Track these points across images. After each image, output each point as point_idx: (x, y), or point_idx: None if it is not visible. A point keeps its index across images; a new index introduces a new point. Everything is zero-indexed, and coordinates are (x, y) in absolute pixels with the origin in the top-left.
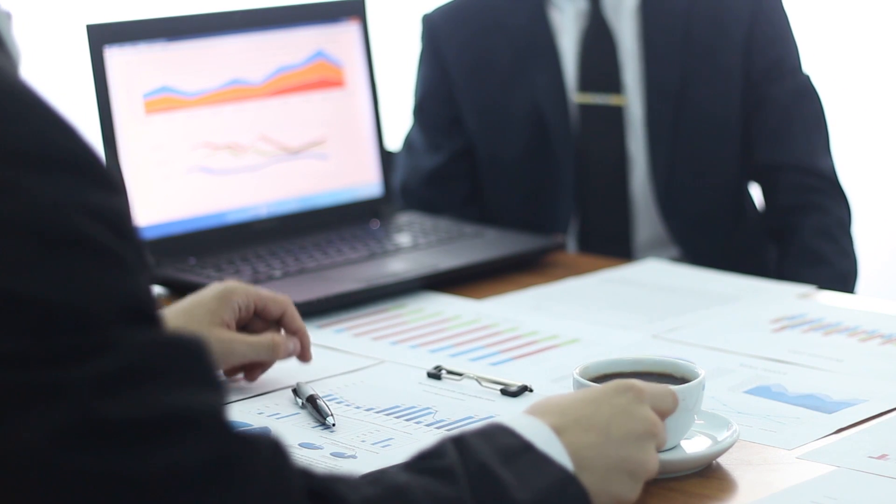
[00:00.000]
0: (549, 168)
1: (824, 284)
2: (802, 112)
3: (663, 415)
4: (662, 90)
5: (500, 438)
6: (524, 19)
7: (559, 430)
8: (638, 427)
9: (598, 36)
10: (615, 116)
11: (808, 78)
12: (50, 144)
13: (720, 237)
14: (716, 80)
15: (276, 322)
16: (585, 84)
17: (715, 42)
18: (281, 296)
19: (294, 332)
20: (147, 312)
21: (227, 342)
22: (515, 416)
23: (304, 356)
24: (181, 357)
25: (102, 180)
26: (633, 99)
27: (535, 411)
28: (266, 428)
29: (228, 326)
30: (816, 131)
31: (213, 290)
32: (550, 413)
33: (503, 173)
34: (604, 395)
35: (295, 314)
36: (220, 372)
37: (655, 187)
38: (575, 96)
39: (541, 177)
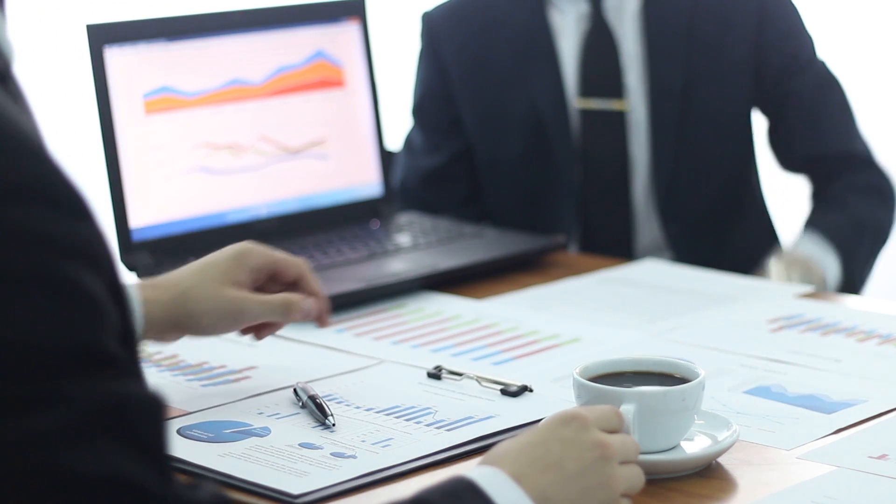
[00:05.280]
0: (548, 173)
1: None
2: (828, 101)
3: (614, 433)
4: (666, 92)
5: (467, 500)
6: (524, 20)
7: (518, 478)
8: (590, 454)
9: (599, 40)
10: (617, 121)
11: (824, 64)
12: (9, 169)
13: (715, 243)
14: (721, 80)
15: (291, 285)
16: (587, 89)
17: (720, 41)
18: (297, 258)
19: (310, 296)
20: (107, 359)
21: (240, 301)
22: (477, 471)
23: (321, 320)
24: (131, 418)
25: (71, 206)
26: (636, 103)
27: (491, 461)
28: (216, 489)
29: (242, 287)
30: (846, 116)
31: (228, 250)
32: (505, 462)
33: (502, 176)
34: (550, 431)
35: (311, 278)
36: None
37: (657, 191)
38: (576, 101)
39: (540, 181)
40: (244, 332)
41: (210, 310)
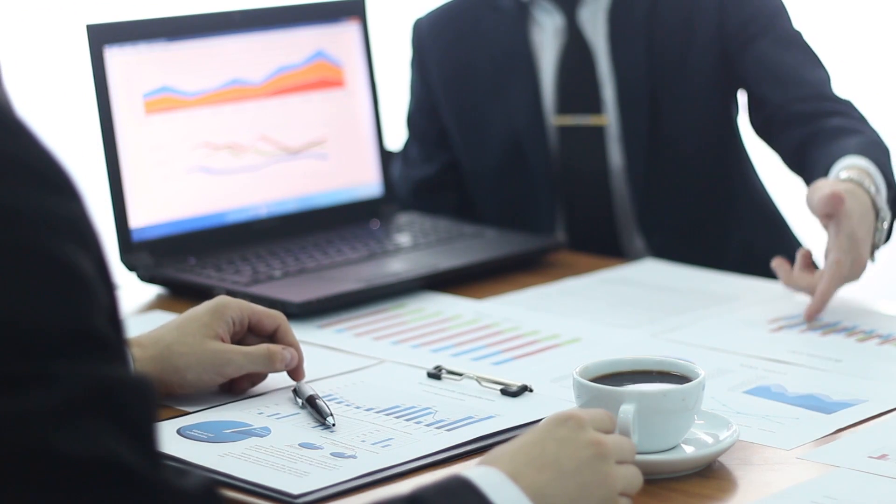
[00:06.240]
0: (528, 188)
1: (856, 151)
2: (796, 55)
3: (607, 433)
4: (633, 99)
5: (463, 497)
6: (505, 34)
7: (514, 477)
8: (586, 453)
9: (576, 55)
10: (596, 136)
11: (799, 33)
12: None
13: (709, 248)
14: (690, 71)
15: (269, 337)
16: (564, 106)
17: (683, 39)
18: (274, 311)
19: (289, 346)
20: (98, 340)
21: (223, 353)
22: (474, 470)
23: (296, 373)
24: (121, 400)
25: (59, 184)
26: (612, 116)
27: (488, 461)
28: (206, 477)
29: (223, 340)
30: (819, 67)
31: (206, 305)
32: (501, 462)
33: (485, 189)
34: (546, 431)
35: (289, 329)
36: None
37: (635, 203)
38: (553, 119)
39: (521, 196)
40: (224, 387)
41: (194, 363)
